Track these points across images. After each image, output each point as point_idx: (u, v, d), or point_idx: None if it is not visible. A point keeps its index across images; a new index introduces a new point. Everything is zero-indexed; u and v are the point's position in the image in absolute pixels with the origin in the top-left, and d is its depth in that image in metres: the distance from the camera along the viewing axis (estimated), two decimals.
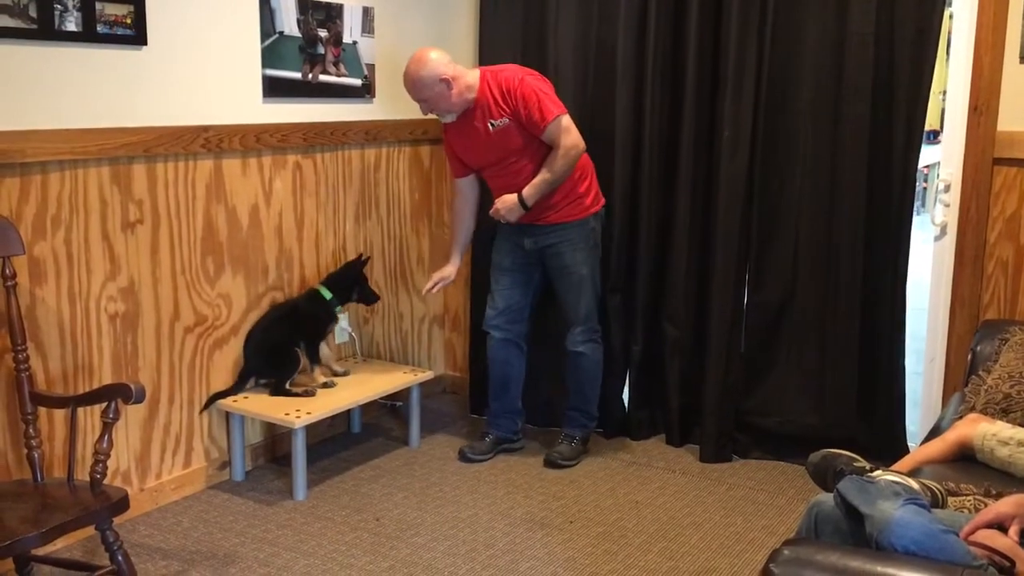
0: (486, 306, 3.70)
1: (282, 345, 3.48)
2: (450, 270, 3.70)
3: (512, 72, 3.42)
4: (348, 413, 3.92)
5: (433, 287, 3.69)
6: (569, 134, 3.36)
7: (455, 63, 3.41)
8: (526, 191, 3.42)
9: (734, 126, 3.49)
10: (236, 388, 3.43)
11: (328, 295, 3.60)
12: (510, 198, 3.45)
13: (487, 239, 3.97)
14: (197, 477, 3.37)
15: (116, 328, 3.04)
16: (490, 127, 3.40)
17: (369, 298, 3.74)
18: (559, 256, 3.54)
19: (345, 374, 3.69)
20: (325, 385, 3.54)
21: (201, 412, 3.35)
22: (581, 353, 3.62)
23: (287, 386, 3.46)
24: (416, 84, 3.38)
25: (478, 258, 4.08)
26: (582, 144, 3.40)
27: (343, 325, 3.84)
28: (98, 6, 2.83)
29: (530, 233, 3.54)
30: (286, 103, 3.51)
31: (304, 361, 3.53)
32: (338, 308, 3.64)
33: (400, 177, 4.11)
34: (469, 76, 3.40)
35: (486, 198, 3.72)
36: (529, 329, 3.75)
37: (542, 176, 3.39)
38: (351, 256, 3.88)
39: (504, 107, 3.37)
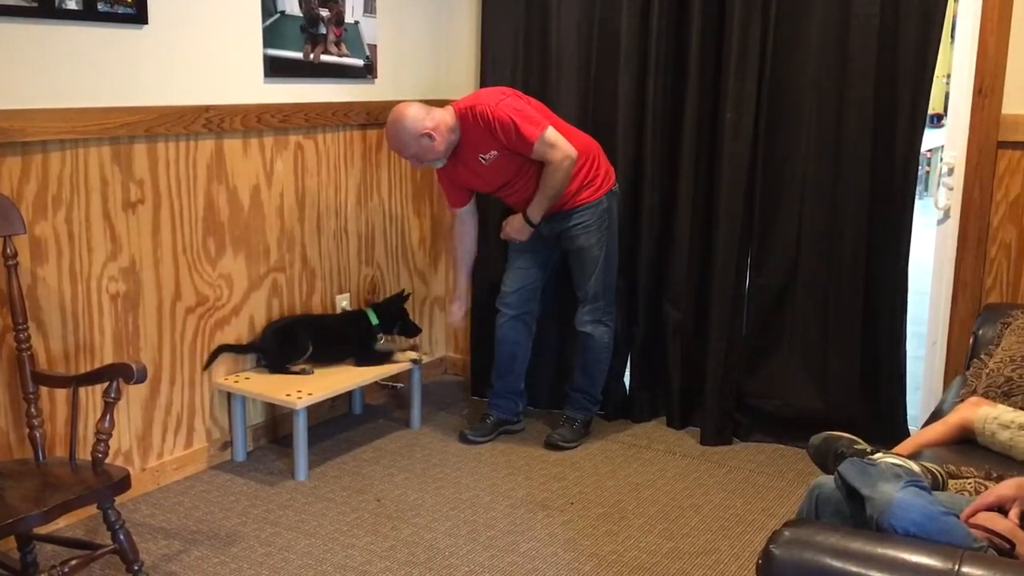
0: (501, 284, 3.70)
1: (295, 331, 3.53)
2: (462, 304, 3.79)
3: (485, 101, 3.36)
4: (349, 394, 3.93)
5: (457, 319, 3.80)
6: (556, 148, 3.33)
7: (431, 111, 3.36)
8: (530, 210, 3.45)
9: (737, 108, 3.47)
10: (244, 349, 3.47)
11: (375, 320, 3.69)
12: (516, 220, 3.50)
13: (492, 224, 3.96)
14: (198, 457, 3.38)
15: (117, 308, 3.04)
16: (482, 161, 3.40)
17: (411, 331, 3.84)
18: (574, 239, 3.54)
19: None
20: (414, 361, 3.71)
21: (205, 368, 3.36)
22: (588, 334, 3.62)
23: (288, 367, 3.49)
24: (399, 144, 3.39)
25: (482, 239, 4.07)
26: (573, 153, 3.36)
27: (412, 356, 3.79)
28: None
29: (547, 220, 3.54)
30: (288, 83, 3.50)
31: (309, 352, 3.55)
32: (379, 334, 3.71)
33: (402, 158, 4.09)
34: (448, 118, 3.36)
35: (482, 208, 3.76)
36: (540, 310, 3.75)
37: (541, 193, 3.41)
38: (352, 238, 3.89)
39: (489, 140, 3.35)
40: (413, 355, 3.72)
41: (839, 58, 3.37)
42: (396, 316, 3.79)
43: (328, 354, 3.58)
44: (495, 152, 3.37)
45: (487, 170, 3.43)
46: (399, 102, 3.96)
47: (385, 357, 3.67)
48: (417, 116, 3.33)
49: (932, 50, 3.21)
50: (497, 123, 3.30)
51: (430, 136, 3.33)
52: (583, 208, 3.50)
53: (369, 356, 3.64)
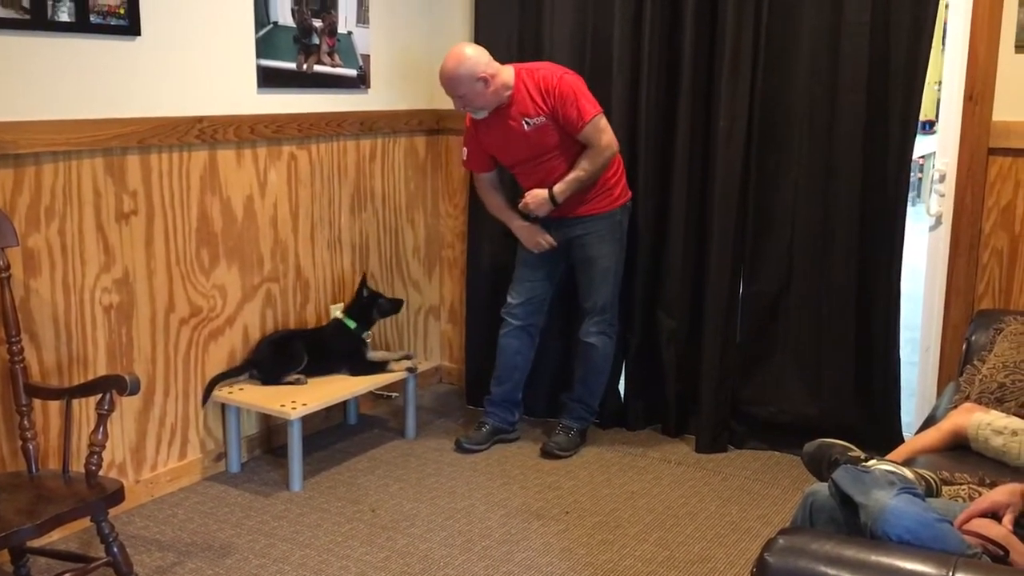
0: (507, 295, 3.70)
1: (289, 342, 3.53)
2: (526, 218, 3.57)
3: (549, 70, 3.40)
4: (344, 404, 3.92)
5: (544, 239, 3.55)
6: (605, 134, 3.37)
7: (492, 60, 3.38)
8: (557, 188, 3.42)
9: (730, 116, 3.48)
10: (236, 372, 3.45)
11: (352, 324, 3.66)
12: (540, 193, 3.45)
13: (487, 233, 3.97)
14: (193, 469, 3.37)
15: (111, 319, 3.04)
16: (525, 125, 3.39)
17: (391, 308, 3.79)
18: (585, 247, 3.54)
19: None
20: (409, 369, 3.69)
21: (204, 403, 3.36)
22: (592, 344, 3.62)
23: (282, 378, 3.48)
24: (453, 81, 3.35)
25: (473, 249, 4.08)
26: (616, 144, 3.42)
27: (408, 366, 3.78)
28: None
29: (557, 225, 3.54)
30: (281, 94, 3.50)
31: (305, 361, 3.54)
32: (365, 335, 3.69)
33: (395, 168, 4.10)
34: (505, 74, 3.38)
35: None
36: (545, 322, 3.75)
37: (575, 174, 3.40)
38: (346, 248, 3.89)
39: (542, 106, 3.36)
40: (408, 363, 3.72)
41: (831, 65, 3.38)
42: (369, 306, 3.72)
43: (321, 367, 3.57)
44: (542, 119, 3.36)
45: (525, 137, 3.40)
46: (392, 112, 3.98)
47: (380, 367, 3.67)
48: (479, 59, 3.33)
49: (923, 57, 3.22)
50: (558, 92, 3.32)
51: (485, 81, 3.32)
52: (596, 217, 3.50)
53: (363, 366, 3.64)
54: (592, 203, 3.50)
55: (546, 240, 3.55)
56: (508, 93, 3.38)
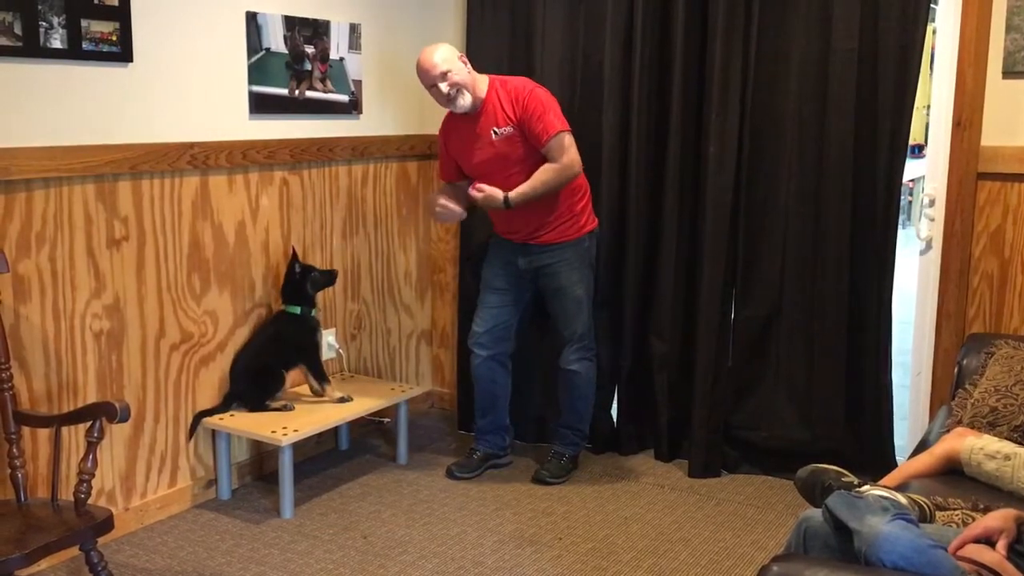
0: (472, 323, 3.69)
1: (267, 365, 3.48)
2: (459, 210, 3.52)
3: (521, 82, 3.43)
4: (335, 430, 3.90)
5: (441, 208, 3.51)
6: (568, 152, 3.36)
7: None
8: (513, 193, 3.36)
9: (720, 142, 3.50)
10: (220, 408, 3.41)
11: (297, 310, 3.53)
12: (496, 192, 3.37)
13: (478, 257, 3.96)
14: (183, 496, 3.35)
15: (101, 346, 3.02)
16: (493, 135, 3.39)
17: (327, 279, 3.61)
18: (554, 276, 3.53)
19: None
20: (342, 399, 3.56)
21: (189, 439, 3.34)
22: (575, 371, 3.61)
23: (267, 403, 3.45)
24: (435, 60, 3.31)
25: (466, 274, 4.08)
26: (579, 165, 3.40)
27: (330, 341, 3.82)
28: (84, 23, 2.83)
29: (524, 253, 3.53)
30: (273, 119, 3.51)
31: (288, 382, 3.51)
32: (313, 312, 3.57)
33: (387, 193, 4.11)
34: (481, 81, 3.42)
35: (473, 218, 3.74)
36: (514, 347, 3.73)
37: (531, 183, 3.34)
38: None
39: (511, 115, 3.36)
40: (339, 395, 3.60)
41: (819, 91, 3.40)
42: (302, 280, 3.50)
43: (290, 362, 3.52)
44: (510, 130, 3.37)
45: (491, 147, 3.40)
46: (384, 137, 3.99)
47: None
48: (453, 48, 3.41)
49: (911, 83, 3.25)
50: (527, 102, 3.34)
51: (465, 63, 3.38)
52: (564, 245, 3.49)
53: (318, 367, 3.57)
54: (559, 230, 3.48)
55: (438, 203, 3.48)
56: (482, 96, 3.40)
